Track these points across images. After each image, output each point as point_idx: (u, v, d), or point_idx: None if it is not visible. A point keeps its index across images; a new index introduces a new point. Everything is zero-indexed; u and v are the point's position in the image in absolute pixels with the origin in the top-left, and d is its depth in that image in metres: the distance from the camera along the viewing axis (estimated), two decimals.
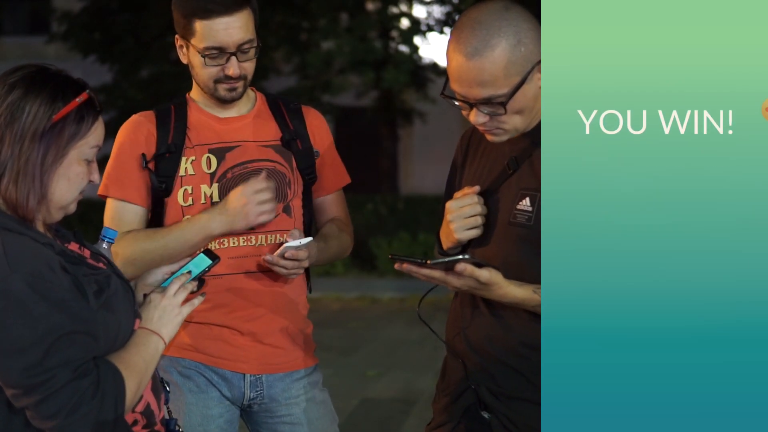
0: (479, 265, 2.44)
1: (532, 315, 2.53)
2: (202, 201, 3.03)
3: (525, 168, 2.59)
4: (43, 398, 2.05)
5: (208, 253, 2.44)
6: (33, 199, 2.14)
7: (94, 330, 2.12)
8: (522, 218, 2.55)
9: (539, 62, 2.48)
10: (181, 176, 3.03)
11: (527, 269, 2.51)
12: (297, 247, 2.92)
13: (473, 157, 2.75)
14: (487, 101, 2.49)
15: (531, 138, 2.58)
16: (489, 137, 2.59)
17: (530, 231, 2.52)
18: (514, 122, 2.54)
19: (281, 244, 2.97)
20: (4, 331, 2.05)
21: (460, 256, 2.44)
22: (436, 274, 2.45)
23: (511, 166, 2.61)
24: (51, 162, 2.15)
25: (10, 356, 2.05)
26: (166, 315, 2.28)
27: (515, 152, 2.61)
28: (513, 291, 2.49)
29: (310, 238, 2.95)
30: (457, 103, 2.55)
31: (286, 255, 2.92)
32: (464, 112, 2.56)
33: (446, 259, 2.44)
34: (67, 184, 2.18)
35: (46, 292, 2.07)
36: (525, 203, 2.56)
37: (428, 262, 2.42)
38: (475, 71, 2.46)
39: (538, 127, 2.56)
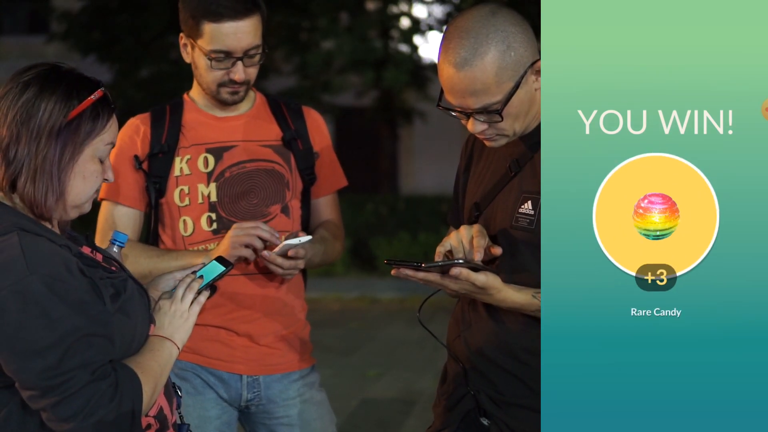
0: (476, 269, 2.43)
1: (533, 320, 2.51)
2: (200, 201, 3.01)
3: (527, 171, 2.57)
4: (60, 400, 2.04)
5: (221, 260, 2.44)
6: (51, 197, 2.14)
7: (111, 334, 2.11)
8: (524, 222, 2.53)
9: (532, 64, 2.47)
10: (177, 176, 3.02)
11: (529, 273, 2.50)
12: (296, 246, 2.91)
13: (477, 161, 2.74)
14: (483, 110, 2.47)
15: (532, 140, 2.56)
16: (488, 143, 2.57)
17: (532, 235, 2.50)
18: (512, 127, 2.52)
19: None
20: (22, 332, 2.04)
21: (456, 260, 2.43)
22: (433, 277, 2.43)
23: (513, 168, 2.59)
24: (68, 160, 2.14)
25: (28, 358, 2.04)
26: (177, 320, 2.27)
27: (517, 155, 2.59)
28: (512, 296, 2.47)
29: (309, 237, 2.93)
30: (453, 113, 2.52)
31: (288, 254, 2.91)
32: (462, 121, 2.54)
33: (442, 263, 2.42)
34: (82, 182, 2.18)
35: (64, 294, 2.06)
36: (527, 207, 2.54)
37: (423, 265, 2.40)
38: (466, 82, 2.43)
39: (538, 129, 2.54)
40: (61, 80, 2.16)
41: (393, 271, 2.42)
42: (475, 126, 2.50)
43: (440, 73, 2.48)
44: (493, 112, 2.46)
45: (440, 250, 2.50)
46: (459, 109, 2.50)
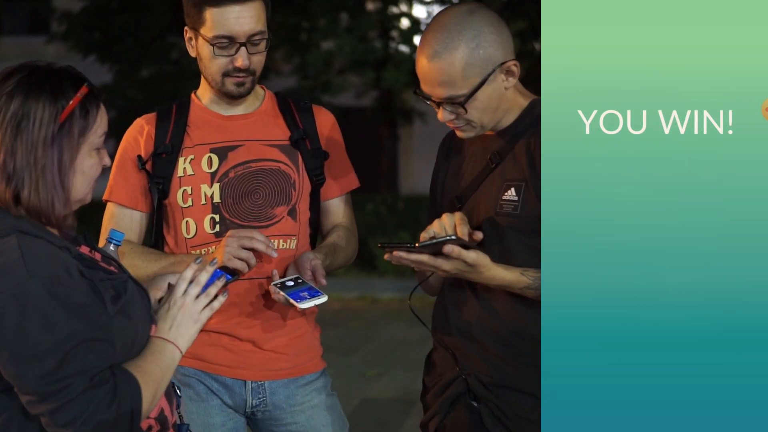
0: (466, 247, 2.48)
1: (521, 304, 2.58)
2: (203, 202, 2.97)
3: (508, 161, 2.65)
4: (59, 406, 2.02)
5: (225, 269, 2.42)
6: (59, 204, 2.11)
7: (112, 337, 2.09)
8: (508, 208, 2.61)
9: (502, 64, 2.58)
10: (180, 177, 2.97)
11: (514, 257, 2.57)
12: (310, 306, 2.85)
13: (454, 157, 2.82)
14: (449, 100, 2.59)
15: (510, 134, 2.66)
16: (458, 133, 2.69)
17: (517, 219, 2.59)
18: (479, 120, 2.63)
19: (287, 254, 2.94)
20: (21, 336, 2.02)
21: (448, 237, 2.48)
22: (426, 258, 2.49)
23: (494, 160, 2.67)
24: (68, 163, 2.13)
25: (27, 363, 2.02)
26: (184, 323, 2.23)
27: (496, 148, 2.68)
28: (500, 273, 2.54)
29: (324, 299, 2.87)
30: (428, 102, 2.65)
31: (299, 308, 2.84)
32: (436, 110, 2.64)
33: (434, 241, 2.48)
34: (83, 179, 2.16)
35: (64, 298, 2.04)
36: (510, 193, 2.62)
37: (416, 245, 2.47)
38: (435, 72, 2.57)
39: (515, 124, 2.65)
40: (44, 84, 2.13)
41: (386, 256, 2.49)
42: (444, 115, 2.64)
43: (416, 63, 2.63)
44: (457, 104, 2.59)
45: (424, 236, 2.58)
46: (429, 98, 2.63)
